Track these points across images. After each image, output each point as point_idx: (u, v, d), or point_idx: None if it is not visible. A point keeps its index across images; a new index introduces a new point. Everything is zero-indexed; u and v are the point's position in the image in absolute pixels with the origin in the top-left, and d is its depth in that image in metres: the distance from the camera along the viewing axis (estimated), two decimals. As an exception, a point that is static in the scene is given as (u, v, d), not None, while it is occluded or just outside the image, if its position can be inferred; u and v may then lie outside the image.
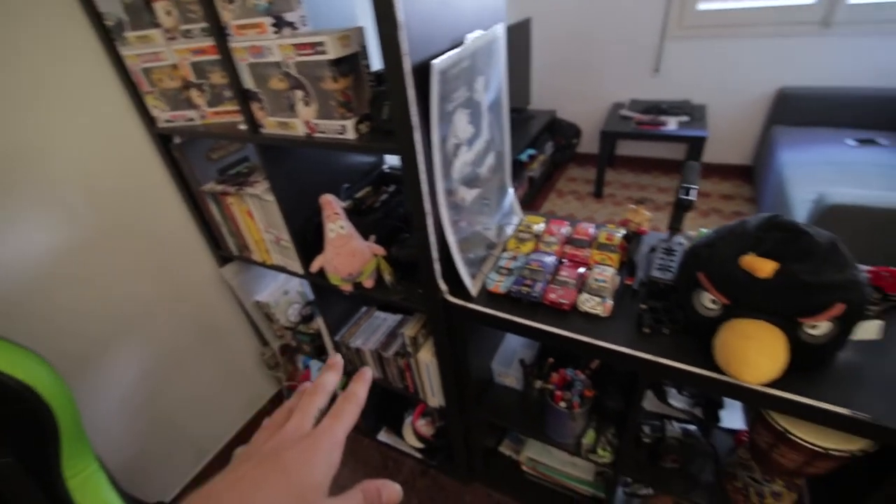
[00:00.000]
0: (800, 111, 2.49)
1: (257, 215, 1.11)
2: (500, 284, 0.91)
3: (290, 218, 1.04)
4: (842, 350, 0.70)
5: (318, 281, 1.08)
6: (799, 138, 2.33)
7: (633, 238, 0.92)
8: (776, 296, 0.64)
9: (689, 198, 0.77)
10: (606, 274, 0.88)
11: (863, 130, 2.32)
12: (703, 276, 0.71)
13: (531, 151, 2.73)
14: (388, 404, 1.55)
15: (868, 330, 0.72)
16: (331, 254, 0.98)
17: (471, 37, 0.78)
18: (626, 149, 3.26)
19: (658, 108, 2.68)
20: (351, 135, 0.79)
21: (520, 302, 0.90)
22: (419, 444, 1.45)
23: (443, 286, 0.90)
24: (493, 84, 0.93)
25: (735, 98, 2.73)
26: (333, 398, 0.34)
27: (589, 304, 0.84)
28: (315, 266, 1.02)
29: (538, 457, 1.32)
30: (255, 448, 0.30)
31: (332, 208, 0.95)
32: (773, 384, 0.67)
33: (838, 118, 2.40)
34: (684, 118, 2.59)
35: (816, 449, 0.69)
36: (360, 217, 1.08)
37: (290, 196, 1.02)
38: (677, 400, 1.05)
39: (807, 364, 0.68)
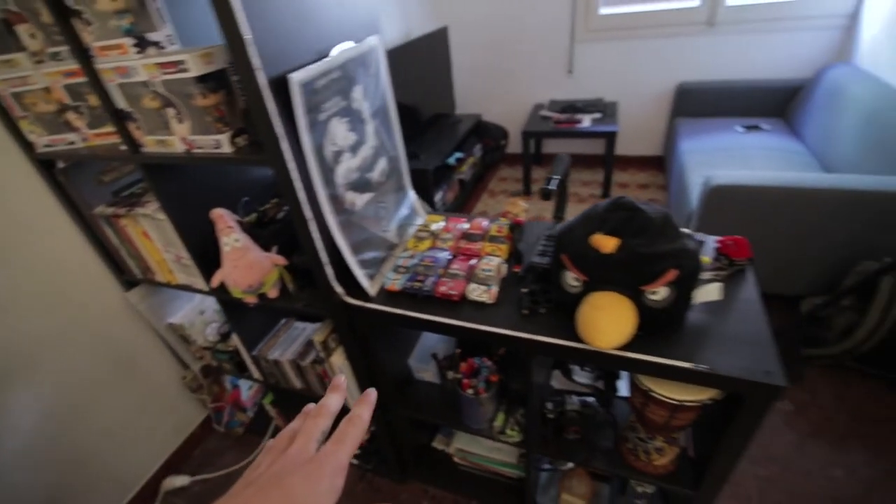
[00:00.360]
0: (697, 103, 2.72)
1: (154, 235, 1.09)
2: (396, 282, 0.95)
3: (187, 235, 1.03)
4: (688, 311, 0.79)
5: (224, 296, 1.08)
6: (697, 128, 2.54)
7: (515, 228, 0.98)
8: (619, 268, 0.72)
9: (549, 187, 0.84)
10: (493, 263, 0.94)
11: (750, 118, 2.57)
12: (566, 256, 0.78)
13: (458, 155, 2.81)
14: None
15: (710, 292, 0.81)
16: (228, 267, 0.98)
17: (337, 49, 0.81)
18: (551, 146, 3.43)
19: (573, 107, 2.84)
20: (227, 149, 0.81)
21: (415, 297, 0.94)
22: (353, 451, 1.46)
23: (338, 288, 0.93)
24: (375, 92, 0.97)
25: (642, 94, 2.94)
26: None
27: (476, 292, 0.90)
28: (215, 281, 1.02)
29: (467, 447, 1.36)
30: (257, 473, 0.30)
31: (225, 222, 0.96)
32: (627, 347, 0.75)
33: (729, 108, 2.65)
34: (597, 115, 2.76)
35: (674, 402, 0.78)
36: (261, 229, 1.08)
37: (184, 213, 1.01)
38: (581, 376, 1.13)
39: (655, 326, 0.76)
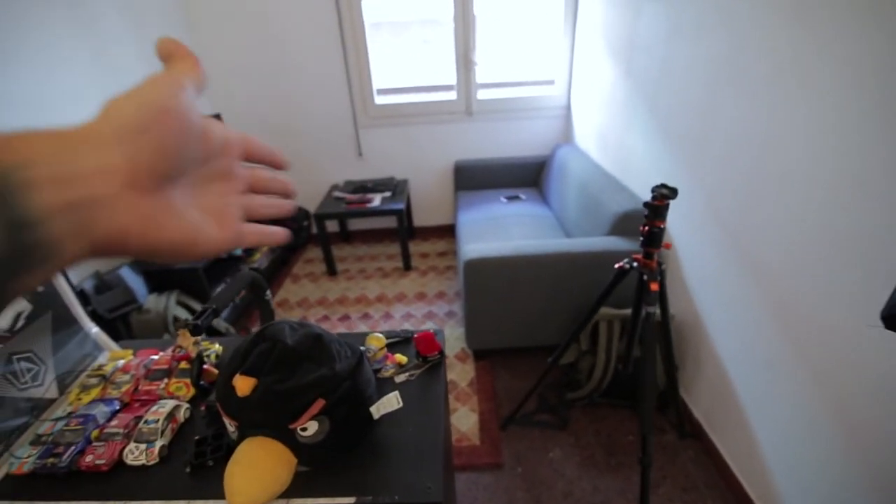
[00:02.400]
0: (471, 178, 3.08)
1: None
2: (26, 462, 0.74)
3: None
4: (366, 430, 0.77)
5: None
6: (471, 200, 2.86)
7: (195, 361, 0.87)
8: (260, 410, 0.65)
9: (198, 323, 0.76)
10: (162, 410, 0.80)
11: (513, 188, 3.00)
12: (218, 400, 0.70)
13: (247, 244, 2.63)
14: None
15: (389, 402, 0.80)
16: None
17: None
18: (358, 223, 3.48)
19: (364, 188, 2.95)
20: None
21: (54, 478, 0.74)
22: None
23: (-86, 498, 0.68)
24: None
25: (428, 171, 3.22)
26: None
27: (133, 454, 0.74)
28: None
29: None
30: None
31: None
32: (289, 491, 0.68)
33: (497, 181, 3.06)
34: (387, 194, 2.91)
35: (356, 537, 0.72)
36: None
37: None
38: None
39: (321, 459, 0.71)
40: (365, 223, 3.46)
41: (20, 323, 0.83)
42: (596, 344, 1.77)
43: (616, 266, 1.21)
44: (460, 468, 1.66)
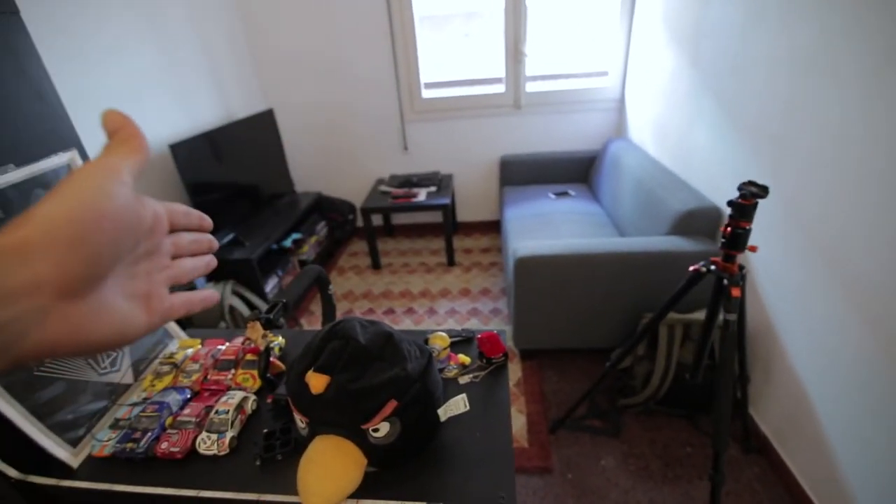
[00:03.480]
0: (518, 173, 3.01)
1: None
2: (107, 445, 0.76)
3: None
4: (433, 434, 0.74)
5: None
6: (518, 196, 2.79)
7: (263, 354, 0.87)
8: (333, 409, 0.64)
9: (270, 316, 0.76)
10: (232, 401, 0.80)
11: (561, 184, 2.91)
12: (289, 395, 0.69)
13: (296, 236, 2.68)
14: None
15: (456, 406, 0.78)
16: None
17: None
18: (402, 218, 3.49)
19: (410, 182, 2.94)
20: None
21: (132, 462, 0.76)
22: None
23: (11, 471, 0.71)
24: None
25: (473, 166, 3.18)
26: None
27: (205, 444, 0.75)
28: None
29: None
30: None
31: None
32: (358, 492, 0.66)
33: (544, 176, 2.97)
34: (432, 188, 2.89)
35: (424, 543, 0.70)
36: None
37: None
38: None
39: (390, 462, 0.69)
40: (409, 217, 3.46)
41: (100, 310, 0.86)
42: (654, 349, 1.68)
43: (690, 268, 1.13)
44: (508, 470, 1.63)
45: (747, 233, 0.98)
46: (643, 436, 1.72)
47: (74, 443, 0.77)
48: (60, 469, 0.75)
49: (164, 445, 0.75)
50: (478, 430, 0.77)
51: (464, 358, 0.91)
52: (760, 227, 1.51)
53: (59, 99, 0.82)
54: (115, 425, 0.80)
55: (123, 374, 0.89)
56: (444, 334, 0.91)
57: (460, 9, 2.94)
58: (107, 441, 0.77)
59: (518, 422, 1.79)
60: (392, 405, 0.65)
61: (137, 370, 0.92)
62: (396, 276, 2.89)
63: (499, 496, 0.66)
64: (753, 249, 0.99)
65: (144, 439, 0.75)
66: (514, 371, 2.04)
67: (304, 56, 2.89)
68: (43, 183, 0.76)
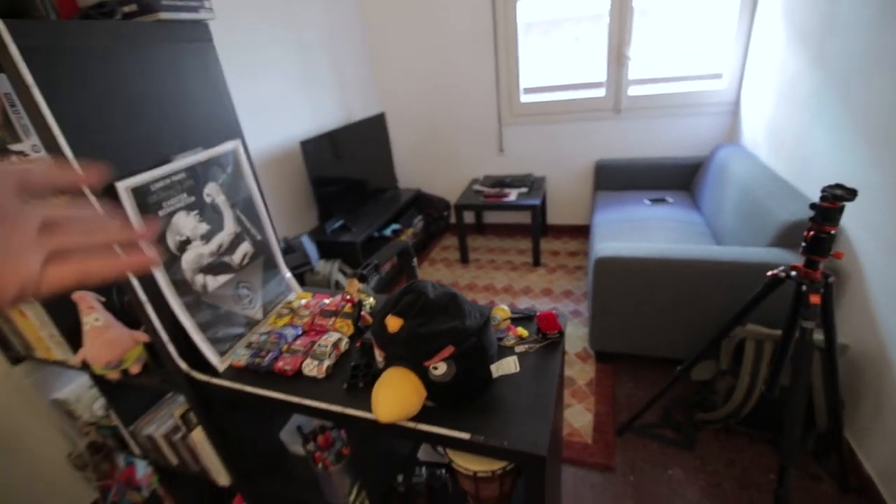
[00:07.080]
0: (613, 178, 2.96)
1: (30, 313, 1.15)
2: (242, 358, 1.02)
3: (56, 314, 1.10)
4: (485, 383, 0.87)
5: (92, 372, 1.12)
6: (611, 201, 2.76)
7: (356, 306, 1.08)
8: (403, 346, 0.80)
9: (362, 271, 0.95)
10: (330, 339, 1.02)
11: (659, 191, 2.81)
12: (372, 334, 0.87)
13: (395, 226, 2.97)
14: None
15: (507, 365, 0.89)
16: (88, 345, 1.05)
17: (179, 156, 0.95)
18: (493, 217, 3.63)
19: (502, 183, 3.07)
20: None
21: (257, 373, 1.00)
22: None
23: (182, 364, 0.99)
24: (235, 186, 1.09)
25: (567, 170, 3.20)
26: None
27: (309, 367, 0.97)
28: (77, 359, 1.08)
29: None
30: None
31: (86, 303, 1.03)
32: (416, 419, 0.82)
33: (641, 182, 2.89)
34: (524, 190, 2.98)
35: (467, 472, 0.83)
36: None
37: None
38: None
39: (446, 399, 0.83)
40: (500, 217, 3.59)
41: (246, 261, 1.14)
42: (739, 364, 1.60)
43: (768, 273, 1.09)
44: (568, 461, 1.68)
45: (831, 237, 0.93)
46: (721, 455, 1.64)
47: (222, 353, 1.04)
48: (212, 370, 1.02)
49: (280, 363, 0.98)
50: (524, 392, 0.88)
51: (522, 331, 1.02)
52: (884, 241, 1.37)
53: (232, 103, 1.11)
54: (248, 346, 1.06)
55: (256, 311, 1.16)
56: (505, 307, 1.03)
57: (572, 13, 2.98)
58: (242, 355, 1.03)
59: (584, 419, 1.82)
60: (449, 350, 0.79)
61: (266, 310, 1.19)
62: (482, 271, 3.03)
63: (533, 440, 0.77)
64: (839, 256, 0.95)
65: (268, 357, 1.00)
66: (587, 371, 2.06)
67: (413, 63, 3.18)
68: (218, 162, 1.05)
